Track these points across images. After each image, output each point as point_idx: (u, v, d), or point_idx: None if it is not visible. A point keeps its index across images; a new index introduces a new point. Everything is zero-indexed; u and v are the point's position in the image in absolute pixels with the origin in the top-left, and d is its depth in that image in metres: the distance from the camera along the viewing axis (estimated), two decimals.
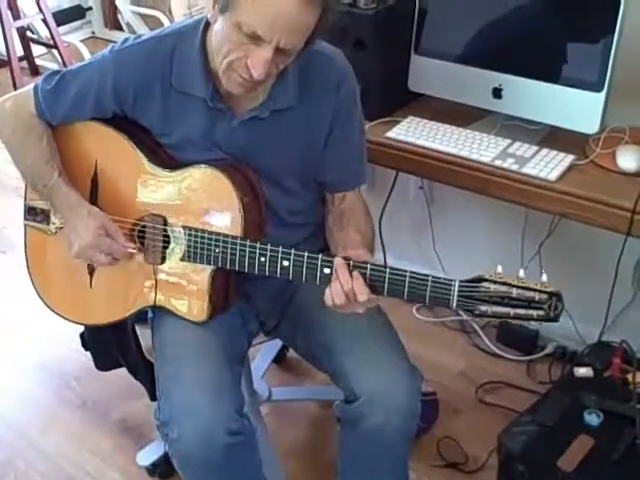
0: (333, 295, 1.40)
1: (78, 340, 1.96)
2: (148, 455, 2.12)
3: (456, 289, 1.32)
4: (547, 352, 2.41)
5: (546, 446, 1.69)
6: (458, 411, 2.26)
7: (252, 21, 1.34)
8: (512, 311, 1.29)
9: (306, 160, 1.61)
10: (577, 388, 1.81)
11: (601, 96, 1.78)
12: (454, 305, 1.33)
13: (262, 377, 2.28)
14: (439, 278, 1.35)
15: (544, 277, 1.29)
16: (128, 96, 1.56)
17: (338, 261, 1.39)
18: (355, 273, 1.38)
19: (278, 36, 1.35)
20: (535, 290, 1.28)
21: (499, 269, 1.30)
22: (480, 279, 1.31)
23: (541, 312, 1.28)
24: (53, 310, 1.73)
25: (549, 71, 1.85)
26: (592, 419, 1.73)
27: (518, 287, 1.28)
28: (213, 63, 1.48)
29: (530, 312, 1.28)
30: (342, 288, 1.38)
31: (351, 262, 1.39)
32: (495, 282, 1.29)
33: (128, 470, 2.13)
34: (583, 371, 1.88)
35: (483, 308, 1.30)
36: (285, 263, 1.45)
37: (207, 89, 1.51)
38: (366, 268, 1.38)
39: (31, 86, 1.64)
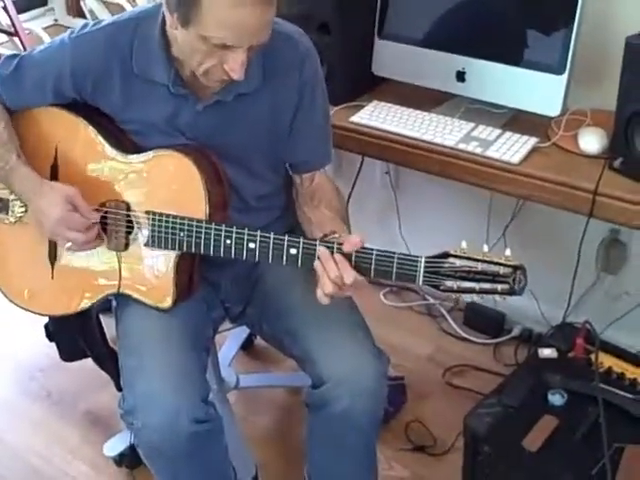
0: (323, 287, 1.38)
1: (42, 331, 1.94)
2: (115, 445, 2.11)
3: (422, 265, 1.33)
4: (513, 335, 2.44)
5: (511, 427, 1.70)
6: (426, 395, 2.28)
7: (218, 34, 1.34)
8: (477, 286, 1.30)
9: (273, 141, 1.60)
10: (541, 369, 1.83)
11: (563, 78, 1.79)
12: (420, 281, 1.34)
13: (230, 364, 2.28)
14: (405, 254, 1.35)
15: (507, 251, 1.31)
16: (86, 82, 1.54)
17: (321, 250, 1.38)
18: (338, 256, 1.37)
19: (248, 41, 1.36)
20: (499, 264, 1.29)
21: (464, 244, 1.31)
22: (445, 255, 1.32)
23: (505, 286, 1.29)
24: (13, 302, 1.70)
25: (512, 54, 1.86)
26: (556, 399, 1.74)
27: (483, 261, 1.29)
28: (174, 49, 1.47)
29: (495, 286, 1.29)
30: (329, 276, 1.37)
31: (334, 246, 1.38)
32: (460, 257, 1.30)
33: (96, 461, 2.12)
34: (547, 352, 1.89)
35: (449, 283, 1.31)
36: (251, 245, 1.44)
37: (169, 75, 1.49)
38: (339, 249, 1.37)
39: None
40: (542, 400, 1.75)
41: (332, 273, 1.36)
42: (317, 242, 1.40)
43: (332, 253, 1.38)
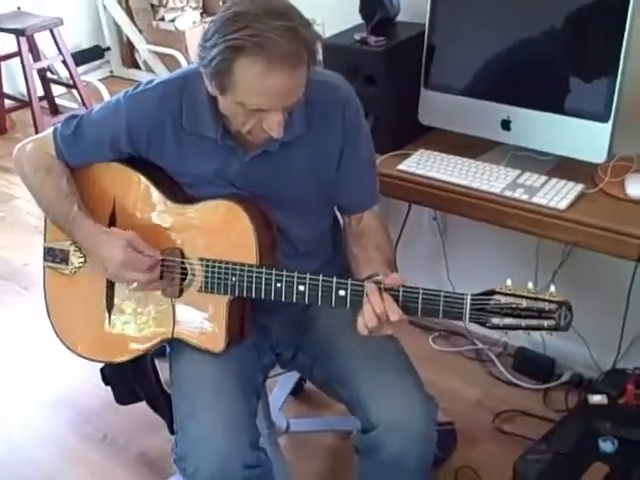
0: (366, 320, 1.41)
1: (98, 375, 1.98)
2: None
3: (468, 302, 1.35)
4: (563, 380, 2.40)
5: (561, 473, 1.69)
6: (476, 440, 2.26)
7: (252, 101, 1.41)
8: (523, 322, 1.32)
9: (320, 186, 1.65)
10: (591, 415, 1.81)
11: (608, 126, 1.79)
12: (467, 319, 1.36)
13: (280, 409, 2.29)
14: (451, 292, 1.38)
15: (552, 288, 1.32)
16: (141, 139, 1.61)
17: (369, 286, 1.42)
18: (385, 294, 1.40)
19: (282, 103, 1.42)
20: (545, 300, 1.31)
21: (508, 282, 1.33)
22: (491, 292, 1.34)
23: (551, 322, 1.31)
24: (72, 350, 1.75)
25: (556, 102, 1.87)
26: (607, 446, 1.72)
27: (528, 298, 1.31)
28: (220, 106, 1.52)
29: (541, 322, 1.31)
30: (374, 311, 1.40)
31: (382, 285, 1.41)
32: (506, 294, 1.33)
33: None
34: (597, 398, 1.88)
35: (495, 320, 1.33)
36: (301, 288, 1.48)
37: (217, 129, 1.55)
38: (398, 291, 1.41)
39: (50, 130, 1.70)
40: (593, 447, 1.74)
41: (378, 308, 1.40)
42: (365, 283, 1.43)
43: (380, 290, 1.41)
